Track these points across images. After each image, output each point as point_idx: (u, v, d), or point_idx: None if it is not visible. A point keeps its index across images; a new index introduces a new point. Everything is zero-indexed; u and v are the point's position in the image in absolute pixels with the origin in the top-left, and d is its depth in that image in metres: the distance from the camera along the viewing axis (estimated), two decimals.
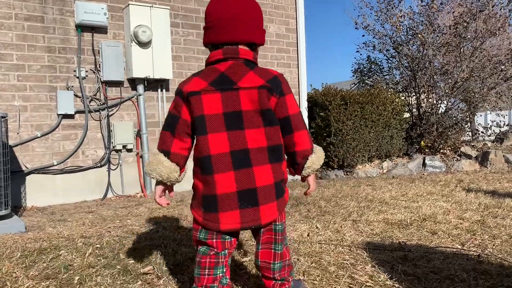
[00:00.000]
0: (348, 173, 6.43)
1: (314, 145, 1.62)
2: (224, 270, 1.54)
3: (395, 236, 2.71)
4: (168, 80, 5.44)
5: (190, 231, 2.95)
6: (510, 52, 6.92)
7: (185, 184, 5.10)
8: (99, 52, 4.98)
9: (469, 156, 6.65)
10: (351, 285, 1.91)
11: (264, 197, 1.49)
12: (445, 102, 7.12)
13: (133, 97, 5.19)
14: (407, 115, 7.42)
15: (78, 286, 1.96)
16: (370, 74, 7.86)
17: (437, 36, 6.75)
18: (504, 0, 6.58)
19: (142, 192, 5.16)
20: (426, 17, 6.74)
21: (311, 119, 6.63)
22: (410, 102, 7.38)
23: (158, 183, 1.59)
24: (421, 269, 2.10)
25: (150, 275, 2.08)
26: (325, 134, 6.40)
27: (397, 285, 1.90)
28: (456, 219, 3.12)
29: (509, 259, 2.22)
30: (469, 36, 6.60)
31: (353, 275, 2.01)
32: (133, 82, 5.21)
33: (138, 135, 5.20)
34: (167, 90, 5.49)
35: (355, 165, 6.46)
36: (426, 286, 1.89)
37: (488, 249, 2.40)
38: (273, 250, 1.57)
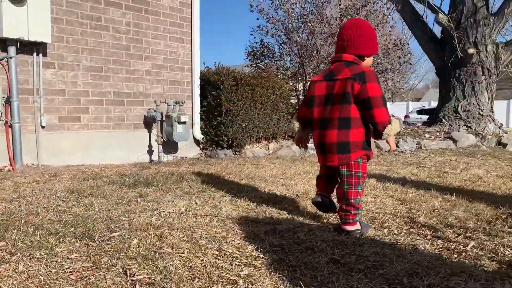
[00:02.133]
0: (236, 152, 6.56)
1: (392, 118, 2.35)
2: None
3: (268, 211, 2.84)
4: (46, 43, 4.95)
5: (58, 207, 2.76)
6: (385, 47, 7.62)
7: (66, 158, 4.69)
8: None
9: None
10: (219, 257, 1.95)
11: (328, 149, 2.40)
12: None
13: (2, 59, 4.64)
14: (294, 100, 7.78)
15: None
16: (262, 58, 8.06)
17: (325, 26, 7.14)
18: None
19: (11, 165, 4.67)
20: (316, 7, 7.08)
21: (203, 97, 6.60)
22: (298, 88, 7.74)
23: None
24: (287, 240, 2.23)
25: (2, 252, 1.89)
26: (216, 113, 6.43)
27: (261, 255, 1.99)
28: None
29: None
30: None
31: (221, 247, 2.06)
32: (4, 43, 4.64)
33: (8, 102, 4.68)
34: (44, 54, 5.00)
35: (244, 145, 6.61)
36: (288, 255, 2.01)
37: None
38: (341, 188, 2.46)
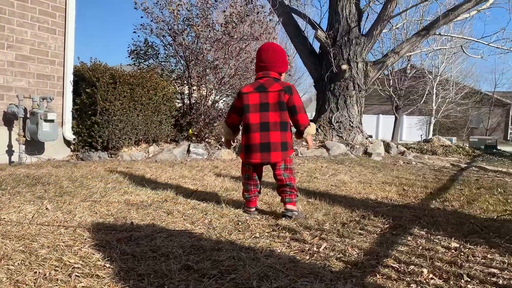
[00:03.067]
0: (112, 155, 6.18)
1: (310, 122, 3.03)
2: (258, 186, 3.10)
3: (129, 217, 2.67)
4: None
5: None
6: None
7: None
8: None
9: None
10: (57, 268, 1.75)
11: (273, 148, 2.89)
12: (213, 95, 7.61)
13: None
14: (179, 103, 7.63)
15: None
16: (146, 57, 7.76)
17: (210, 31, 7.13)
18: (267, 9, 7.44)
19: None
20: (202, 11, 7.04)
21: (76, 94, 6.10)
22: (183, 91, 7.60)
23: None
24: (141, 247, 2.10)
25: None
26: (90, 113, 5.98)
27: (108, 265, 1.83)
28: (196, 200, 3.30)
29: (226, 236, 2.44)
30: (236, 37, 7.20)
31: (63, 257, 1.85)
32: None
33: None
34: None
35: (121, 148, 6.26)
36: (139, 263, 1.89)
37: (213, 227, 2.60)
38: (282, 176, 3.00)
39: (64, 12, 5.94)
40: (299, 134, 3.00)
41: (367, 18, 10.57)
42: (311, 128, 2.99)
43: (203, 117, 7.24)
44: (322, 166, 6.08)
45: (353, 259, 2.17)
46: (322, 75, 9.30)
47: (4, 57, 5.30)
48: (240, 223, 2.74)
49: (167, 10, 7.01)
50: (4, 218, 2.39)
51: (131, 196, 3.25)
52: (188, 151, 6.89)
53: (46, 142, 5.56)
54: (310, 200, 3.57)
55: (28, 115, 5.37)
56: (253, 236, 2.47)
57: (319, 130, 8.86)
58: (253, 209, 3.07)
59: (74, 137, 6.05)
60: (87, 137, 6.04)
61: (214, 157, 6.91)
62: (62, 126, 5.91)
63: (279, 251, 2.23)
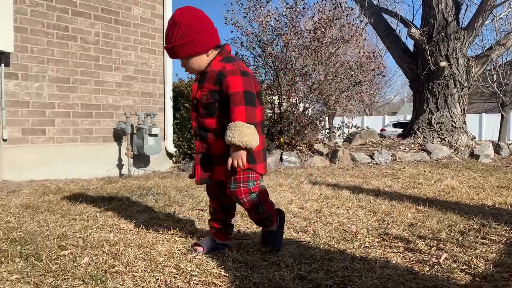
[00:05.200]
0: None
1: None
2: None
3: (236, 225, 2.69)
4: (9, 53, 4.75)
5: (9, 223, 2.56)
6: (359, 60, 7.66)
7: (30, 172, 4.07)
8: None
9: (321, 153, 7.16)
10: (176, 275, 1.80)
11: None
12: (304, 102, 7.57)
13: None
14: (270, 113, 7.70)
15: None
16: None
17: (299, 38, 7.12)
18: (356, 11, 7.26)
19: None
20: (290, 20, 7.06)
21: (176, 109, 6.46)
22: (273, 100, 7.67)
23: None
24: (252, 256, 2.10)
25: None
26: (189, 126, 6.29)
27: (223, 273, 1.86)
28: (297, 208, 3.26)
29: (334, 245, 2.35)
30: (325, 42, 7.10)
31: (180, 264, 1.92)
32: None
33: None
34: (7, 65, 4.80)
35: None
36: (252, 272, 1.88)
37: (319, 236, 2.53)
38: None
39: (162, 32, 6.33)
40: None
41: (466, 10, 9.82)
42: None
43: (293, 124, 7.22)
44: (425, 171, 5.70)
45: (480, 271, 1.96)
46: (418, 74, 8.80)
47: (112, 79, 5.79)
48: (346, 232, 2.63)
49: (256, 22, 7.14)
50: (123, 227, 2.56)
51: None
52: (281, 159, 6.90)
53: (151, 155, 5.94)
54: (418, 207, 3.33)
55: (134, 131, 5.78)
56: (362, 246, 2.35)
57: (418, 132, 8.35)
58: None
59: (175, 149, 6.40)
60: (187, 149, 6.34)
61: (307, 165, 6.84)
62: (164, 139, 6.28)
63: (394, 261, 2.10)
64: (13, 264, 1.85)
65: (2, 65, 4.75)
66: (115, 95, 5.83)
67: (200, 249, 2.12)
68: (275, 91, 7.61)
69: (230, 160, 1.92)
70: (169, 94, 6.40)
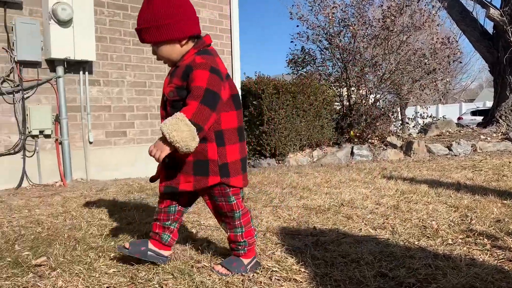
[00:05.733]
0: (280, 161, 6.47)
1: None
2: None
3: (311, 221, 2.72)
4: (91, 62, 5.13)
5: (102, 221, 2.79)
6: (433, 47, 7.29)
7: (114, 172, 4.72)
8: (12, 30, 4.57)
9: (394, 146, 6.94)
10: (257, 271, 1.86)
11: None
12: (374, 93, 7.37)
13: (51, 79, 4.84)
14: (338, 106, 7.60)
15: None
16: (304, 65, 7.95)
17: (367, 28, 6.94)
18: None
19: (62, 181, 4.85)
20: (357, 10, 6.90)
21: (244, 107, 6.58)
22: (342, 93, 7.55)
23: None
24: (330, 253, 2.10)
25: (43, 267, 1.91)
26: (258, 123, 6.39)
27: (303, 269, 1.88)
28: (373, 204, 3.20)
29: (415, 242, 2.29)
30: (396, 30, 6.84)
31: (260, 261, 1.97)
32: (52, 63, 4.85)
33: (57, 120, 4.87)
34: (90, 72, 5.18)
35: (287, 154, 6.51)
36: (332, 269, 1.89)
37: (398, 232, 2.47)
38: None
39: (230, 33, 6.48)
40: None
41: None
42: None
43: (364, 117, 7.06)
44: (510, 162, 5.32)
45: None
46: (498, 58, 8.19)
47: None
48: (426, 228, 2.54)
49: (322, 15, 7.07)
50: (204, 223, 2.68)
51: (308, 200, 3.32)
52: (352, 153, 6.78)
53: None
54: (505, 201, 3.13)
55: None
56: (445, 243, 2.26)
57: (501, 120, 7.78)
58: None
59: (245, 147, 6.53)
60: (256, 146, 6.44)
61: (380, 158, 6.66)
62: None
63: (481, 259, 2.00)
64: (109, 259, 2.02)
65: (86, 73, 5.13)
66: None
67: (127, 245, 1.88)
68: (343, 83, 7.49)
69: (151, 146, 1.66)
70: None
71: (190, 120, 1.57)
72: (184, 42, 1.73)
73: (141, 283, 1.75)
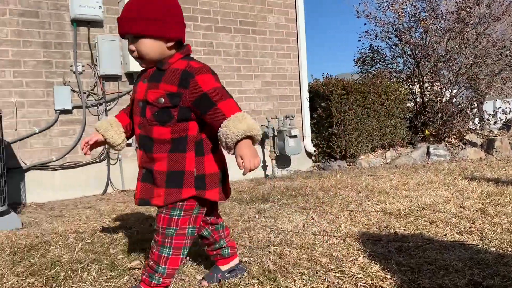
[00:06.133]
0: (351, 163, 6.35)
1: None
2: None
3: (391, 226, 2.65)
4: None
5: None
6: None
7: None
8: (95, 47, 4.94)
9: (474, 144, 6.54)
10: (342, 278, 1.85)
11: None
12: (450, 89, 7.00)
13: (130, 91, 5.16)
14: (411, 104, 7.31)
15: (63, 282, 1.93)
16: (372, 63, 7.75)
17: (440, 22, 6.61)
18: None
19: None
20: (429, 3, 6.60)
21: (312, 109, 6.55)
22: (414, 90, 7.26)
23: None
24: (416, 259, 2.04)
25: (137, 270, 2.04)
26: (326, 125, 6.33)
27: (389, 276, 1.84)
28: (456, 207, 3.05)
29: (507, 248, 2.15)
30: (472, 22, 6.45)
31: (343, 266, 1.96)
32: (131, 76, 5.17)
33: None
34: None
35: (358, 155, 6.38)
36: (419, 276, 1.83)
37: (487, 238, 2.33)
38: None
39: (296, 36, 6.49)
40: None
41: None
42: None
43: (440, 114, 6.73)
44: None
45: None
46: None
47: (253, 86, 6.14)
48: None
49: (390, 11, 6.85)
50: (281, 227, 2.71)
51: (386, 204, 3.23)
52: (428, 153, 6.49)
53: (292, 156, 6.13)
54: None
55: (275, 134, 6.04)
56: None
57: None
58: None
59: (314, 149, 6.50)
60: (326, 148, 6.38)
61: (458, 158, 6.32)
62: (303, 140, 6.42)
63: None
64: (196, 263, 2.11)
65: None
66: (256, 101, 6.17)
67: (204, 283, 1.84)
68: (415, 80, 7.19)
69: (240, 161, 1.51)
70: (305, 95, 6.52)
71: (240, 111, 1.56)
72: (171, 44, 1.61)
73: (228, 287, 1.81)
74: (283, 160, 6.23)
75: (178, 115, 1.57)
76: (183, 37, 1.66)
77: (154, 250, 1.63)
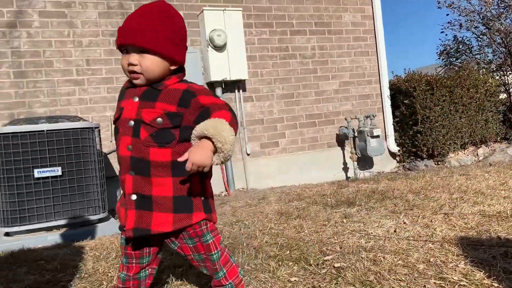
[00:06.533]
0: (439, 162, 6.02)
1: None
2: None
3: (493, 230, 2.47)
4: (244, 80, 5.52)
5: (272, 229, 2.97)
6: None
7: (269, 180, 5.03)
8: None
9: None
10: (442, 285, 1.77)
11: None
12: None
13: None
14: (503, 96, 6.75)
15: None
16: (457, 55, 7.28)
17: None
18: None
19: (226, 190, 5.30)
20: None
21: (394, 107, 6.32)
22: (507, 81, 6.70)
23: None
24: None
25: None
26: (411, 123, 6.07)
27: (496, 284, 1.72)
28: None
29: None
30: None
31: (444, 273, 1.87)
32: (212, 86, 5.37)
33: None
34: (244, 90, 5.58)
35: (447, 154, 6.02)
36: None
37: None
38: None
39: (374, 33, 6.32)
40: None
41: None
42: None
43: None
44: None
45: None
46: None
47: (330, 87, 6.07)
48: None
49: None
50: (372, 232, 2.65)
51: (484, 206, 3.02)
52: None
53: (374, 156, 5.96)
54: None
55: (355, 134, 5.91)
56: None
57: None
58: None
59: (398, 148, 6.25)
60: (411, 147, 6.11)
61: None
62: (386, 139, 6.21)
63: None
64: (288, 268, 2.14)
65: (240, 91, 5.54)
66: (334, 102, 6.09)
67: None
68: (508, 70, 6.64)
69: (186, 156, 1.38)
70: (386, 93, 6.30)
71: (229, 123, 1.41)
72: (174, 67, 1.56)
73: None
74: (364, 161, 6.07)
75: (179, 135, 1.49)
76: (184, 62, 1.61)
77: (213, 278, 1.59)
